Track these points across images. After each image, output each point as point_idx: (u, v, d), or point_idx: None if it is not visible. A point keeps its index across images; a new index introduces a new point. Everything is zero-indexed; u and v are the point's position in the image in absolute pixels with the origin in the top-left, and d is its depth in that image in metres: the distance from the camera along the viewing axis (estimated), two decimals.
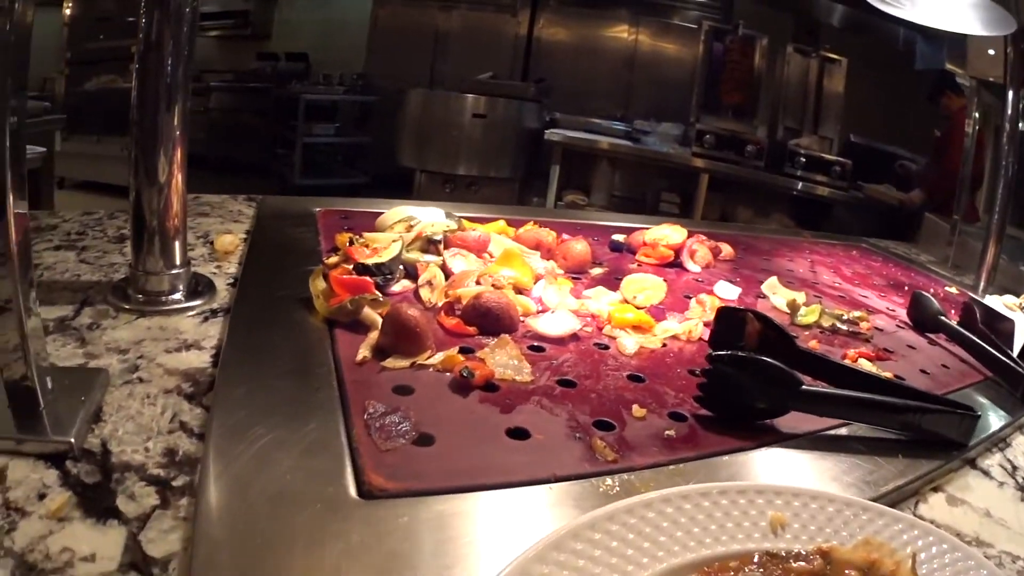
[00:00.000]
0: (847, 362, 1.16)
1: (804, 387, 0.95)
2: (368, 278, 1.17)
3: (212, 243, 1.46)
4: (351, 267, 1.20)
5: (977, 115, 2.80)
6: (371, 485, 0.72)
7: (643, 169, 6.37)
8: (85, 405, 0.83)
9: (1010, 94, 2.01)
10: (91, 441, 0.79)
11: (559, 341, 1.13)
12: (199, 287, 1.22)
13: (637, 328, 1.20)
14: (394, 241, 1.31)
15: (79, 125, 6.90)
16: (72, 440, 0.77)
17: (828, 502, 0.71)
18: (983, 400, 1.20)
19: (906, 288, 1.84)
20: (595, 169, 6.56)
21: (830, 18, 6.33)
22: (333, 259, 1.26)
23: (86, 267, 1.28)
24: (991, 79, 2.62)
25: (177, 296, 1.16)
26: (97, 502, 0.70)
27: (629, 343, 1.14)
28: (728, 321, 1.08)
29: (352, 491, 0.71)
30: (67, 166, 6.81)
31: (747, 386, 0.97)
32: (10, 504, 0.69)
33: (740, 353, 0.98)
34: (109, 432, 0.81)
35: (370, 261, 1.23)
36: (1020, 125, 2.01)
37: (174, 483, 0.74)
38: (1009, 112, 2.01)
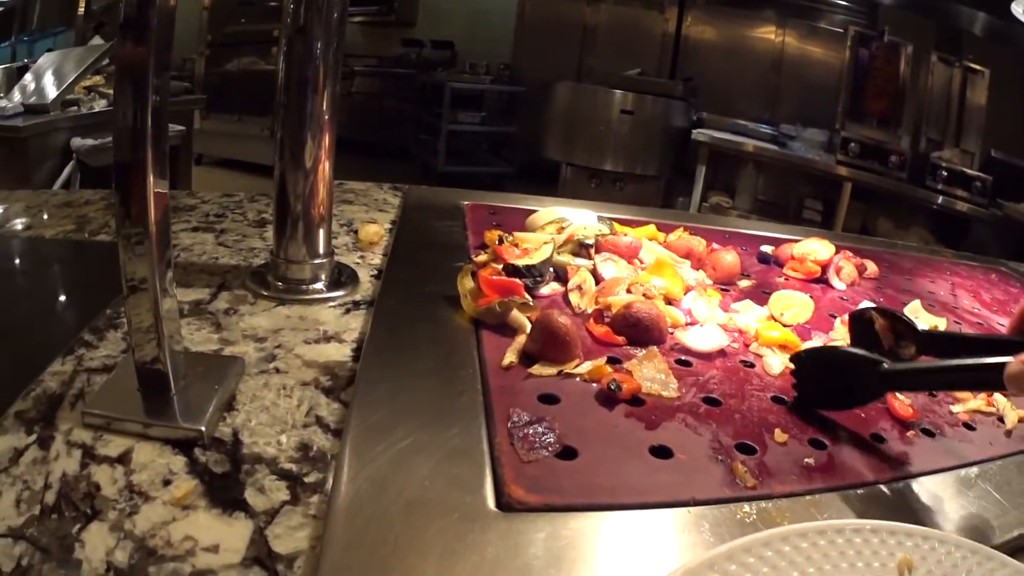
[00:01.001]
0: (973, 333, 1.15)
1: (885, 366, 0.94)
2: (517, 280, 1.16)
3: (356, 232, 1.47)
4: (501, 267, 1.19)
5: None
6: (511, 497, 0.72)
7: (788, 174, 6.22)
8: (219, 393, 0.84)
9: None
10: (222, 430, 0.80)
11: (706, 356, 1.12)
12: (342, 277, 1.22)
13: (783, 347, 1.18)
14: (545, 243, 1.30)
15: (218, 104, 7.12)
16: (203, 428, 0.78)
17: (955, 547, 0.69)
18: None
19: None
20: (740, 171, 6.42)
21: (972, 26, 6.11)
22: (482, 257, 1.26)
23: (224, 250, 1.29)
24: None
25: (319, 286, 1.17)
26: (224, 492, 0.71)
27: (775, 362, 1.12)
28: (859, 325, 1.09)
29: (491, 502, 0.71)
30: (205, 144, 7.05)
31: (829, 376, 1.00)
32: (133, 487, 0.70)
33: (818, 347, 1.06)
34: (242, 422, 0.82)
35: (520, 262, 1.21)
36: None
37: (306, 479, 0.75)
38: None
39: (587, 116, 6.54)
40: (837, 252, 1.68)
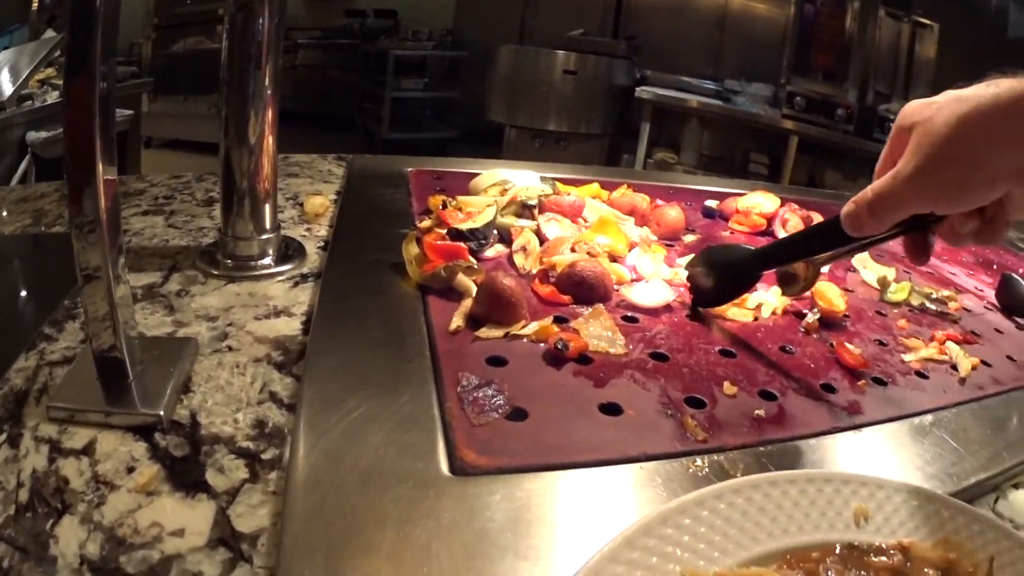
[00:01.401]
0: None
1: (755, 250, 1.08)
2: (462, 244, 1.15)
3: (302, 205, 1.46)
4: (445, 232, 1.19)
5: None
6: (463, 461, 0.71)
7: (733, 129, 6.27)
8: (174, 376, 0.83)
9: None
10: (180, 413, 0.80)
11: (652, 312, 1.12)
12: (289, 251, 1.21)
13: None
14: (488, 206, 1.30)
15: (165, 86, 7.02)
16: (161, 413, 0.77)
17: (910, 495, 0.69)
18: None
19: (995, 267, 1.79)
20: (685, 128, 6.46)
21: None
22: (426, 222, 1.26)
23: (174, 232, 1.28)
24: None
25: (267, 261, 1.16)
26: (186, 475, 0.71)
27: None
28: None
29: (444, 467, 0.71)
30: (153, 126, 6.97)
31: (718, 274, 1.12)
32: (99, 478, 0.70)
33: (704, 249, 1.16)
34: (198, 403, 0.82)
35: (464, 226, 1.21)
36: None
37: (263, 456, 0.74)
38: None
39: (530, 78, 6.54)
40: (783, 205, 1.69)
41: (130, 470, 0.71)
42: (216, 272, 1.12)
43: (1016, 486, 0.90)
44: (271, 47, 1.06)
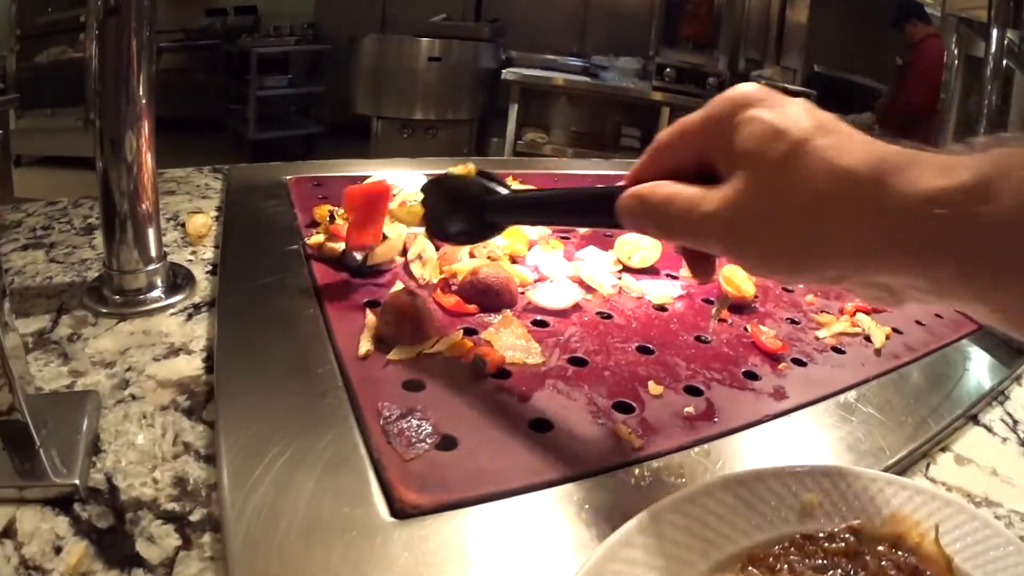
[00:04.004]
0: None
1: (494, 197, 0.88)
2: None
3: (183, 226, 1.41)
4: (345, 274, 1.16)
5: (956, 51, 2.81)
6: (403, 502, 0.68)
7: (602, 105, 6.38)
8: (83, 436, 0.77)
9: (994, 32, 2.02)
10: (95, 478, 0.74)
11: (561, 313, 1.11)
12: (178, 280, 1.16)
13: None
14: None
15: (33, 100, 6.80)
16: (76, 481, 0.72)
17: (855, 479, 0.71)
18: (979, 351, 1.20)
19: None
20: (554, 106, 6.54)
21: None
22: (315, 237, 1.23)
23: (57, 267, 1.22)
24: (963, 14, 2.64)
25: (156, 293, 1.11)
26: (116, 549, 0.66)
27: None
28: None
29: (384, 511, 0.68)
30: (23, 143, 6.72)
31: (451, 207, 0.96)
32: (28, 563, 0.64)
33: (441, 175, 0.98)
34: (112, 464, 0.76)
35: (368, 263, 1.18)
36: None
37: (191, 518, 0.70)
38: (993, 49, 2.02)
39: (394, 67, 6.55)
40: None
41: (57, 550, 0.66)
42: (105, 310, 1.07)
43: (943, 449, 0.94)
44: (145, 53, 1.02)
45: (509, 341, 0.99)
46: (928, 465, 0.91)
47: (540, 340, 1.01)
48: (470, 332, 1.03)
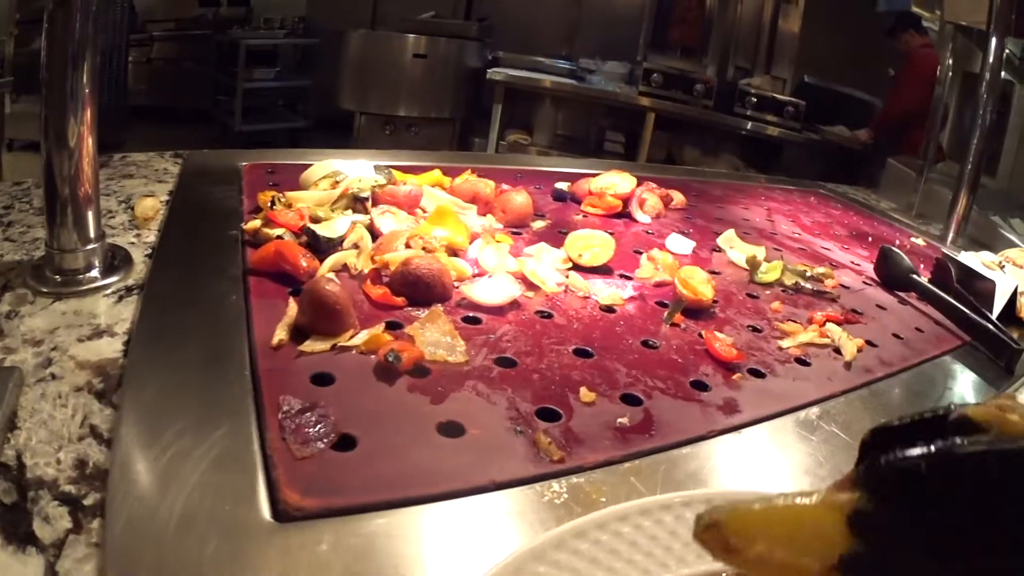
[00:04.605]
0: None
1: None
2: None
3: (134, 208, 1.37)
4: (301, 242, 1.13)
5: (951, 61, 2.76)
6: (286, 504, 0.64)
7: (587, 108, 6.40)
8: (2, 411, 0.75)
9: (993, 41, 1.99)
10: (7, 454, 0.72)
11: (497, 310, 1.04)
12: (115, 261, 1.13)
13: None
14: (326, 204, 1.25)
15: (28, 85, 6.82)
16: None
17: None
18: (964, 369, 1.14)
19: (869, 239, 1.78)
20: (538, 108, 6.57)
21: None
22: (253, 223, 1.17)
23: (10, 245, 1.20)
24: (964, 23, 2.59)
25: (93, 274, 1.08)
26: (15, 526, 0.64)
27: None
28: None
29: (266, 512, 0.64)
30: (16, 128, 6.77)
31: None
32: None
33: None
34: (24, 442, 0.73)
35: (323, 234, 1.15)
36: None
37: (85, 502, 0.66)
38: (991, 60, 1.97)
39: (380, 63, 6.57)
40: (640, 184, 1.64)
41: None
42: (45, 289, 1.04)
43: None
44: (88, 44, 1.02)
45: (433, 337, 0.92)
46: None
47: (468, 338, 0.94)
48: (395, 326, 0.96)
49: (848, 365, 1.06)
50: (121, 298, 1.04)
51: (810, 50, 6.08)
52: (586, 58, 6.59)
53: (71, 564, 0.60)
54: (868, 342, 1.13)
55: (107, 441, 0.74)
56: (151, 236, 1.25)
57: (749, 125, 5.65)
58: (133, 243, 1.21)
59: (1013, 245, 1.82)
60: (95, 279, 1.07)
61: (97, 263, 1.09)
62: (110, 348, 0.92)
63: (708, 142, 6.02)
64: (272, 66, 8.05)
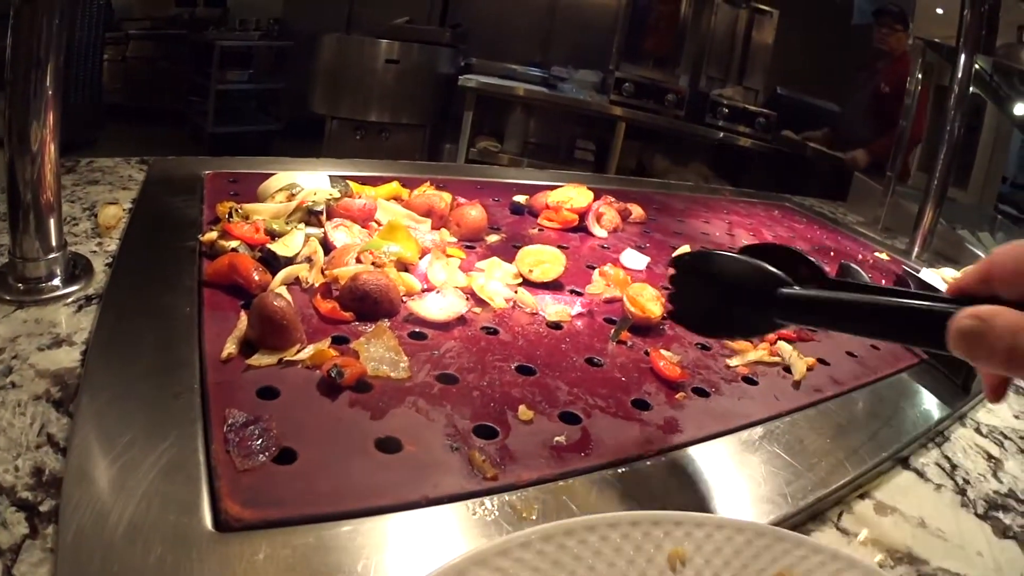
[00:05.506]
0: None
1: (786, 290, 0.74)
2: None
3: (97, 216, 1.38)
4: (256, 258, 1.13)
5: (920, 75, 2.78)
6: (227, 515, 0.66)
7: (559, 116, 6.42)
8: None
9: (962, 57, 2.01)
10: None
11: (444, 326, 1.05)
12: (76, 270, 1.15)
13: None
14: (281, 217, 1.26)
15: None
16: None
17: (736, 532, 0.64)
18: (919, 387, 1.16)
19: (832, 254, 1.80)
20: (509, 115, 6.57)
21: None
22: (210, 235, 1.18)
23: None
24: (936, 40, 2.62)
25: (55, 282, 1.10)
26: None
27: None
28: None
29: (208, 522, 0.65)
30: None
31: (711, 292, 0.82)
32: None
33: (708, 251, 0.84)
34: None
35: (280, 252, 1.16)
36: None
37: (41, 508, 0.69)
38: (960, 75, 2.00)
39: (352, 68, 6.55)
40: (598, 198, 1.65)
41: None
42: (8, 297, 1.06)
43: (863, 496, 0.88)
44: (54, 46, 1.02)
45: (377, 353, 0.94)
46: (841, 514, 0.85)
47: (412, 354, 0.96)
48: (342, 341, 0.98)
49: (797, 384, 1.07)
50: (81, 307, 1.06)
51: (783, 61, 6.10)
52: (559, 66, 6.62)
53: (27, 568, 0.62)
54: (820, 360, 1.15)
55: (63, 449, 0.76)
56: (113, 245, 1.26)
57: (720, 135, 5.69)
58: (95, 251, 1.23)
59: (979, 260, 1.84)
60: (56, 288, 1.09)
61: (59, 272, 1.11)
62: (68, 357, 0.93)
63: (678, 152, 6.04)
64: (246, 68, 8.03)
